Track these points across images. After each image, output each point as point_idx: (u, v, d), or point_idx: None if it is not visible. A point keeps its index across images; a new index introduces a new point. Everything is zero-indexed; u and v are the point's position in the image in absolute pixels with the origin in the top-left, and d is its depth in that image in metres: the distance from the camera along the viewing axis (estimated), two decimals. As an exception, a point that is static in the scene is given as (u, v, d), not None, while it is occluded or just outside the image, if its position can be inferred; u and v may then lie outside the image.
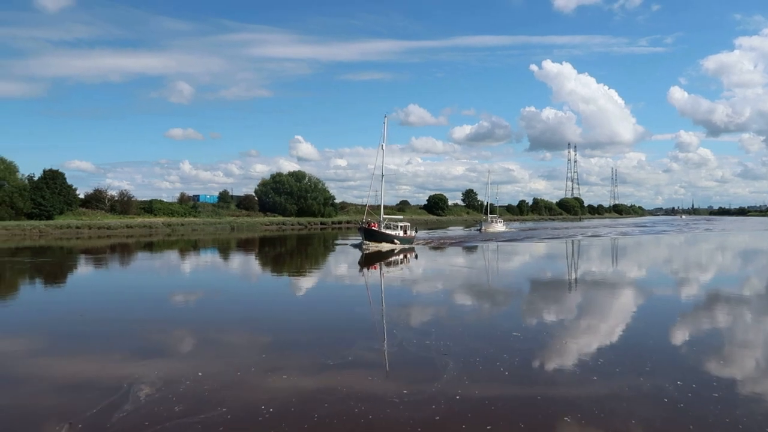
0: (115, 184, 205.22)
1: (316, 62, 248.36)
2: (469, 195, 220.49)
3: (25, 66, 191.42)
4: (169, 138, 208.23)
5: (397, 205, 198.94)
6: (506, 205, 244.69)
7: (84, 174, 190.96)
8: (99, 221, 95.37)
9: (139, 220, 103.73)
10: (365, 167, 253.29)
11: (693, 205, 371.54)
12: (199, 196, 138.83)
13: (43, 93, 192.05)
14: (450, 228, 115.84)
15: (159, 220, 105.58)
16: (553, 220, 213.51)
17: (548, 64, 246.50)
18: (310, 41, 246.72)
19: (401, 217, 64.14)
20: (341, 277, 34.05)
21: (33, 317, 20.39)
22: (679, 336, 16.86)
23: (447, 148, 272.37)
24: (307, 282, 31.44)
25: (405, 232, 54.73)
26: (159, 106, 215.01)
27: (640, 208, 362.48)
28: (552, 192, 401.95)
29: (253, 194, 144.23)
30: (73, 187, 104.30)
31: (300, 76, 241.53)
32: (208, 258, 48.96)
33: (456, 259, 45.03)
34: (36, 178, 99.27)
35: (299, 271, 37.20)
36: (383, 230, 52.62)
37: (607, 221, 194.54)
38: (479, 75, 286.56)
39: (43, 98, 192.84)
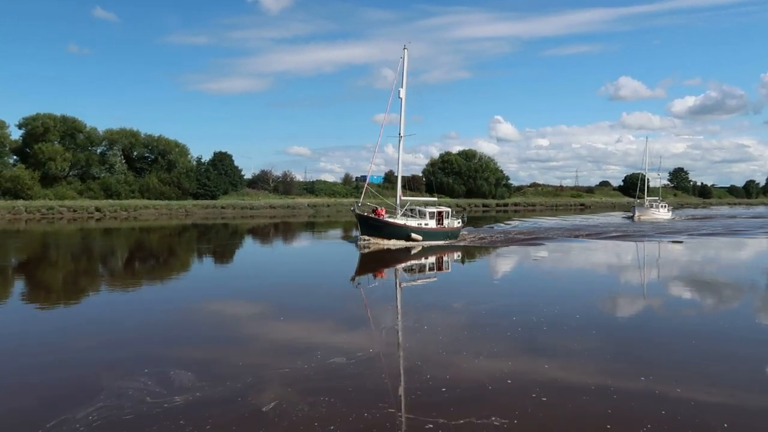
0: (327, 167, 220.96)
1: (516, 39, 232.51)
2: (677, 175, 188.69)
3: (252, 63, 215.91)
4: (374, 123, 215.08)
5: (596, 186, 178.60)
6: (728, 186, 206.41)
7: (302, 158, 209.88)
8: (242, 201, 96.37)
9: (289, 200, 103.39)
10: (569, 147, 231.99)
11: None
12: (365, 176, 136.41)
13: (267, 86, 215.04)
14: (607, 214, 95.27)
15: (305, 200, 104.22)
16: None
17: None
18: (510, 18, 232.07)
19: (434, 199, 46.01)
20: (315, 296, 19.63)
21: (250, 287, 21.34)
22: None
23: (665, 123, 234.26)
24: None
25: (439, 222, 38.04)
26: (365, 93, 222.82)
27: None
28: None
29: (421, 175, 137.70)
30: (239, 168, 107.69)
31: (500, 54, 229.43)
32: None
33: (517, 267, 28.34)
34: (205, 161, 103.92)
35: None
36: (394, 220, 36.43)
37: None
38: (706, 39, 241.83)
39: (267, 91, 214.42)
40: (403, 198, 39.60)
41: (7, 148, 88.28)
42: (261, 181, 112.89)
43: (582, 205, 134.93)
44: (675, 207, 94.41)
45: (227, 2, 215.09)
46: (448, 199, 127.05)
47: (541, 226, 55.64)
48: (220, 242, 42.46)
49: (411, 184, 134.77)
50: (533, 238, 41.17)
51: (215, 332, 13.94)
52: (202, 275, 25.79)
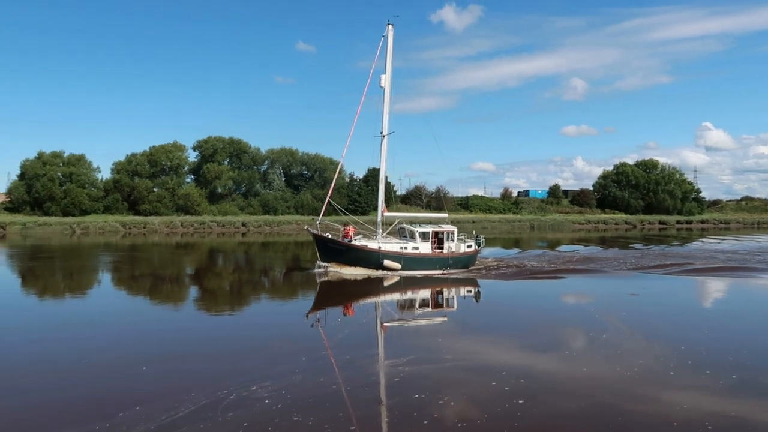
0: (512, 182, 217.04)
1: (728, 36, 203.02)
2: None
3: (438, 82, 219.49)
4: (563, 135, 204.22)
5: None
6: None
7: (487, 174, 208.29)
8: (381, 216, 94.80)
9: (451, 216, 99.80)
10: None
11: None
12: (528, 191, 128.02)
13: (452, 104, 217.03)
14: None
15: (450, 216, 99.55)
16: None
17: None
18: (719, 13, 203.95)
19: (444, 215, 35.20)
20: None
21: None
22: None
23: None
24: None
25: (438, 246, 29.87)
26: (553, 105, 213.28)
27: None
28: None
29: (591, 189, 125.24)
30: (392, 184, 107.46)
31: (708, 54, 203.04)
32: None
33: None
34: (357, 178, 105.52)
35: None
36: (364, 242, 29.23)
37: None
38: None
39: (453, 109, 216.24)
40: (387, 214, 31.97)
41: (185, 169, 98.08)
42: (414, 197, 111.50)
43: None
44: None
45: (413, 25, 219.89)
46: (623, 215, 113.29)
47: (664, 251, 44.64)
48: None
49: (579, 199, 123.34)
50: (564, 270, 30.54)
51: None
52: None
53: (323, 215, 31.86)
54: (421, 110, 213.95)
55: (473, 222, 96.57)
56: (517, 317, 18.97)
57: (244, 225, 75.90)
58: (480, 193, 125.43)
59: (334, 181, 38.87)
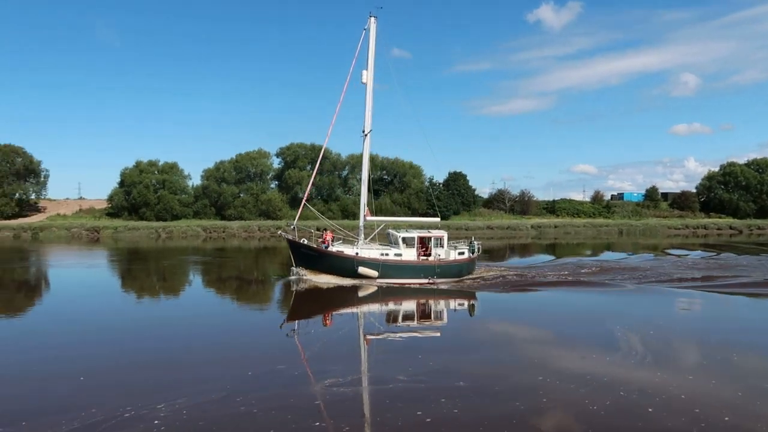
0: (616, 186, 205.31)
1: None
2: None
3: (535, 83, 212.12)
4: (672, 134, 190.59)
5: None
6: None
7: (588, 177, 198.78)
8: (458, 221, 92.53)
9: (511, 220, 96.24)
10: None
11: None
12: (623, 194, 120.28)
13: (550, 105, 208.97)
14: None
15: (529, 221, 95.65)
16: None
17: None
18: None
19: (435, 220, 32.93)
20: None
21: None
22: None
23: None
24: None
25: (424, 252, 27.85)
26: (660, 103, 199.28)
27: None
28: None
29: (693, 191, 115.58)
30: (473, 188, 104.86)
31: None
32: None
33: None
34: (437, 181, 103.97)
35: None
36: (339, 248, 27.60)
37: None
38: None
39: (550, 110, 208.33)
40: (370, 218, 30.03)
41: (269, 175, 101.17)
42: (497, 201, 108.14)
43: None
44: None
45: (509, 26, 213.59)
46: (728, 220, 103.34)
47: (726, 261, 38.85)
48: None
49: (680, 203, 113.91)
50: (567, 283, 26.99)
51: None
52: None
53: (299, 219, 30.80)
54: (517, 112, 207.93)
55: (555, 227, 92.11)
56: (507, 333, 17.00)
57: (318, 229, 76.77)
58: (579, 197, 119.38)
59: (312, 176, 38.90)
